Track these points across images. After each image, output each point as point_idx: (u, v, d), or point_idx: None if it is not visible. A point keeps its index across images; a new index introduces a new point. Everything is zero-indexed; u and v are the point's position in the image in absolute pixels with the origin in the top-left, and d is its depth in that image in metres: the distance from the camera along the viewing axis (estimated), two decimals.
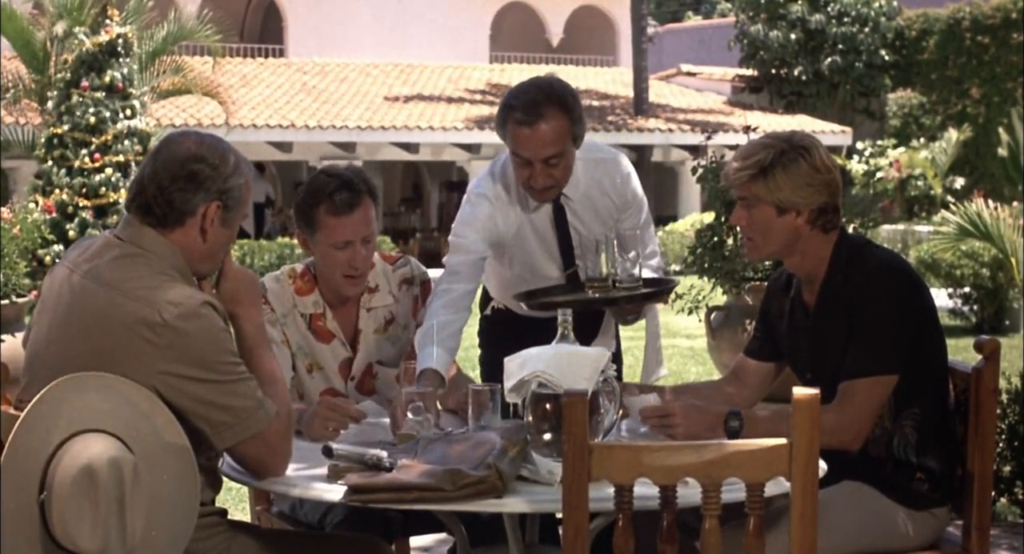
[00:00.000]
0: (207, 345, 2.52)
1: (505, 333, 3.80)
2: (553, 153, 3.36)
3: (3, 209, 7.62)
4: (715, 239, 6.92)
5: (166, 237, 2.63)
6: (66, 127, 11.46)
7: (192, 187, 2.62)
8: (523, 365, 2.71)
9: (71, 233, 10.87)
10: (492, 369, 2.81)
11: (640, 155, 23.58)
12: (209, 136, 2.72)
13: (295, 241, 21.03)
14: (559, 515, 2.36)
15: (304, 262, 3.50)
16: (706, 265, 6.99)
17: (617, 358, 3.89)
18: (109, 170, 11.30)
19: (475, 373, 3.99)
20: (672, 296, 7.10)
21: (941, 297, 11.93)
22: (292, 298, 3.42)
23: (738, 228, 3.15)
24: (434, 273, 3.58)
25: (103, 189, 11.26)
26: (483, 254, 3.55)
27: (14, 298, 6.79)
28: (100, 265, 2.59)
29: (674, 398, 3.03)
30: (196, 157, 2.63)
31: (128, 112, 11.67)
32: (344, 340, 3.44)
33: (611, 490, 2.24)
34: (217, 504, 2.74)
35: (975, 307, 12.05)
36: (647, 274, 3.52)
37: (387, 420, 3.24)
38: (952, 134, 22.53)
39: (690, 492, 2.26)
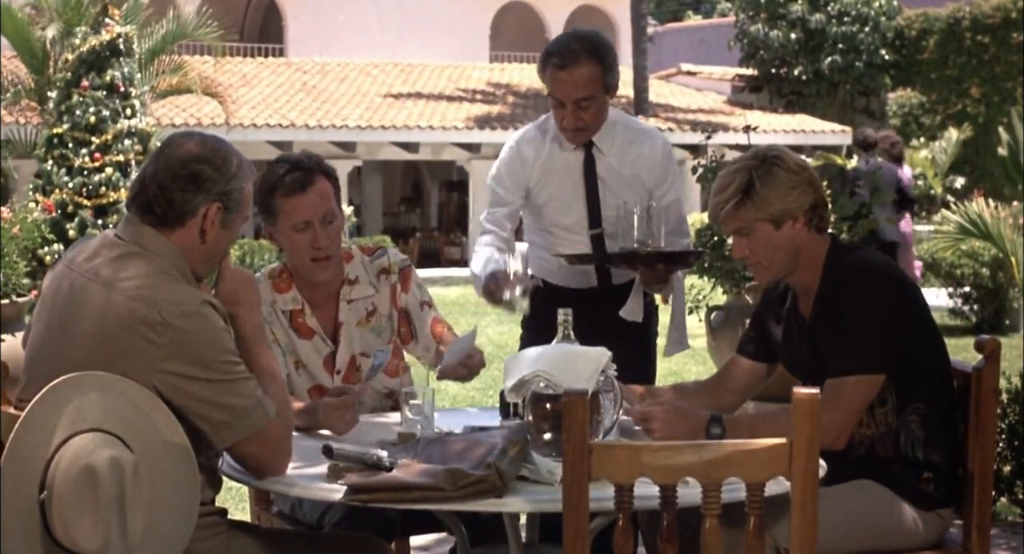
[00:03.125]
0: (207, 344, 2.52)
1: (544, 318, 3.84)
2: (584, 95, 3.70)
3: (3, 209, 7.62)
4: (715, 239, 6.92)
5: (166, 237, 2.63)
6: (66, 126, 11.44)
7: (193, 188, 2.62)
8: (523, 365, 2.71)
9: (71, 233, 10.85)
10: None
11: None
12: (212, 138, 2.72)
13: None
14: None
15: (282, 261, 3.52)
16: (706, 265, 6.99)
17: (648, 329, 4.01)
18: (109, 170, 11.28)
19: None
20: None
21: (941, 297, 11.93)
22: (272, 296, 3.43)
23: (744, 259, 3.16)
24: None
25: (103, 189, 11.24)
26: (514, 204, 3.88)
27: (14, 297, 6.79)
28: (100, 264, 2.59)
29: (661, 399, 3.05)
30: (198, 158, 2.64)
31: (128, 111, 11.65)
32: (324, 335, 3.45)
33: (611, 490, 2.24)
34: (217, 504, 2.74)
35: (975, 307, 12.05)
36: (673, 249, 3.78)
37: (387, 419, 3.24)
38: (952, 134, 22.55)
39: (690, 492, 2.26)
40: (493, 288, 3.46)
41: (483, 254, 3.77)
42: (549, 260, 3.96)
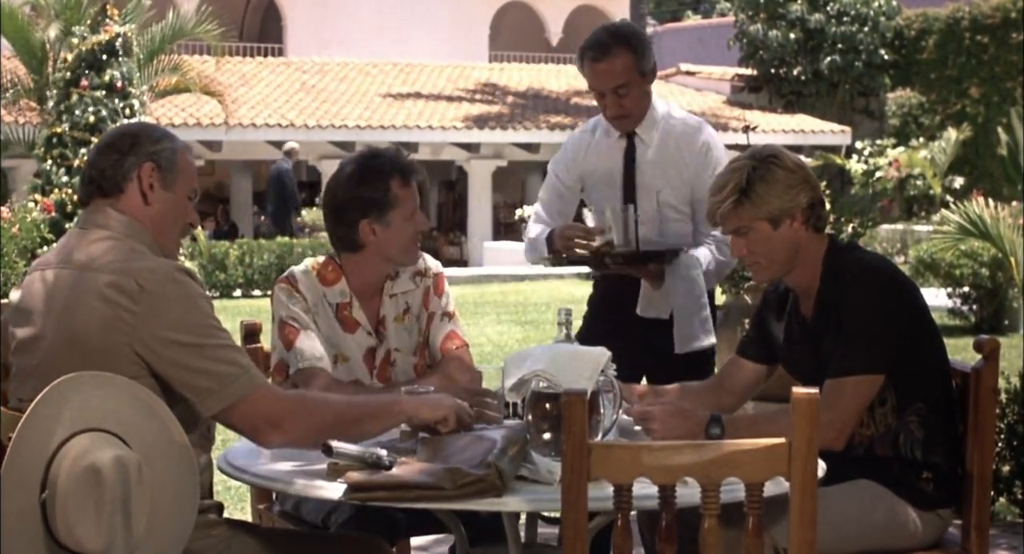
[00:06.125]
0: (183, 308, 2.55)
1: (599, 307, 4.18)
2: (620, 83, 3.93)
3: (3, 208, 7.63)
4: None
5: (117, 210, 2.71)
6: (65, 126, 11.45)
7: (118, 153, 2.74)
8: (523, 364, 2.71)
9: None
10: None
11: None
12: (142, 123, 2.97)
13: (294, 241, 20.81)
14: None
15: (325, 254, 3.52)
16: None
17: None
18: None
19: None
20: None
21: (940, 297, 11.93)
22: (319, 288, 3.42)
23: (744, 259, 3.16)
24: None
25: None
26: (569, 192, 4.18)
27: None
28: (71, 251, 2.66)
29: (661, 399, 3.06)
30: (121, 131, 2.82)
31: (127, 111, 11.67)
32: (370, 329, 3.45)
33: (610, 490, 2.24)
34: (217, 504, 2.74)
35: (974, 307, 12.06)
36: (707, 252, 3.94)
37: None
38: (951, 134, 22.53)
39: (689, 492, 2.26)
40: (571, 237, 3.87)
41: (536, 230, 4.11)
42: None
